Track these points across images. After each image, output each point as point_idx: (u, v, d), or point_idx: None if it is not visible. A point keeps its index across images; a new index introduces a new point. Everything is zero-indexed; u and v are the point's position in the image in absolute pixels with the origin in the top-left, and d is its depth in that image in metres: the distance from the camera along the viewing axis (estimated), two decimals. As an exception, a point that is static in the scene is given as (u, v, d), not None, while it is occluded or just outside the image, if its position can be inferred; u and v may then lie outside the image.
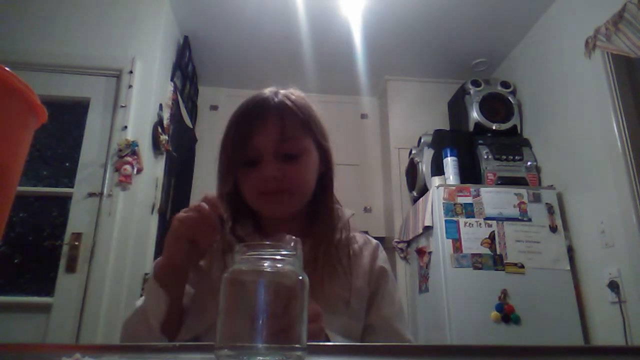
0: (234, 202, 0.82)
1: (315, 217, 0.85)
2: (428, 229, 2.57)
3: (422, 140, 3.05)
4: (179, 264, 0.70)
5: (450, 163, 2.73)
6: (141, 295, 0.77)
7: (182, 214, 0.69)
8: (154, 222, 2.53)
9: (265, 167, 0.77)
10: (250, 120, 0.80)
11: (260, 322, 0.41)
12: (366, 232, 0.97)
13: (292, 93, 0.85)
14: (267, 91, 0.84)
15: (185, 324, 0.74)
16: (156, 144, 2.51)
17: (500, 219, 2.46)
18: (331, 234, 0.83)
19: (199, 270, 0.79)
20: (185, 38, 3.01)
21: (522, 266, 2.35)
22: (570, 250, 2.43)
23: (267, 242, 0.57)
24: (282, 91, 0.84)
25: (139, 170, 2.30)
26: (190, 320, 0.74)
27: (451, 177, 2.69)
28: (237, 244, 0.82)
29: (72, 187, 2.24)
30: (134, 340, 0.72)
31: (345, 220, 0.88)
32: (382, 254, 0.91)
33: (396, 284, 0.90)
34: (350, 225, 0.89)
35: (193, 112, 3.40)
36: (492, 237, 2.42)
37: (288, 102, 0.82)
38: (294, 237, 0.59)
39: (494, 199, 2.51)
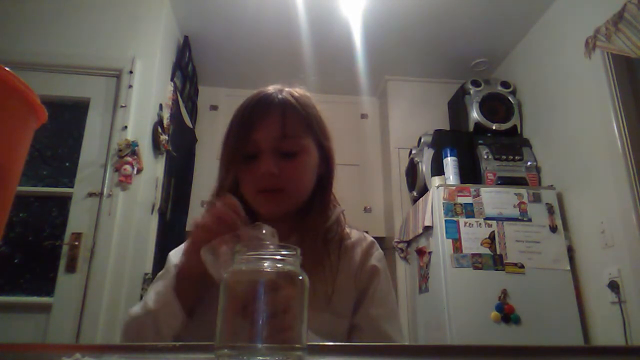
0: None
1: (308, 213, 0.84)
2: (428, 229, 2.57)
3: (422, 140, 3.05)
4: (199, 273, 0.63)
5: (450, 163, 2.73)
6: (141, 298, 0.74)
7: (202, 220, 0.66)
8: (154, 222, 2.53)
9: (262, 163, 0.78)
10: (252, 115, 0.80)
11: (260, 322, 0.41)
12: (366, 232, 0.96)
13: (297, 91, 0.86)
14: (272, 88, 0.85)
15: (191, 323, 0.71)
16: (156, 144, 2.51)
17: (500, 219, 2.46)
18: (320, 230, 0.83)
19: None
20: (185, 38, 3.01)
21: (522, 266, 2.35)
22: (570, 250, 2.42)
23: (267, 243, 0.57)
24: (286, 89, 0.85)
25: (139, 170, 2.30)
26: (197, 321, 0.72)
27: (451, 177, 2.69)
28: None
29: (72, 187, 2.24)
30: (138, 340, 0.71)
31: (336, 216, 0.87)
32: (377, 253, 0.88)
33: (390, 284, 0.88)
34: (345, 221, 0.88)
35: (193, 112, 3.40)
36: (492, 237, 2.42)
37: (291, 100, 0.82)
38: (268, 226, 0.58)
39: (494, 199, 2.51)
